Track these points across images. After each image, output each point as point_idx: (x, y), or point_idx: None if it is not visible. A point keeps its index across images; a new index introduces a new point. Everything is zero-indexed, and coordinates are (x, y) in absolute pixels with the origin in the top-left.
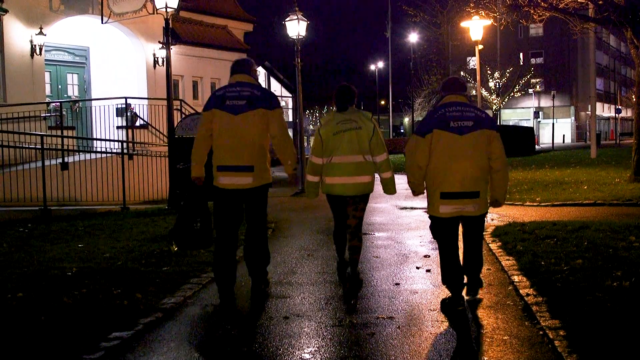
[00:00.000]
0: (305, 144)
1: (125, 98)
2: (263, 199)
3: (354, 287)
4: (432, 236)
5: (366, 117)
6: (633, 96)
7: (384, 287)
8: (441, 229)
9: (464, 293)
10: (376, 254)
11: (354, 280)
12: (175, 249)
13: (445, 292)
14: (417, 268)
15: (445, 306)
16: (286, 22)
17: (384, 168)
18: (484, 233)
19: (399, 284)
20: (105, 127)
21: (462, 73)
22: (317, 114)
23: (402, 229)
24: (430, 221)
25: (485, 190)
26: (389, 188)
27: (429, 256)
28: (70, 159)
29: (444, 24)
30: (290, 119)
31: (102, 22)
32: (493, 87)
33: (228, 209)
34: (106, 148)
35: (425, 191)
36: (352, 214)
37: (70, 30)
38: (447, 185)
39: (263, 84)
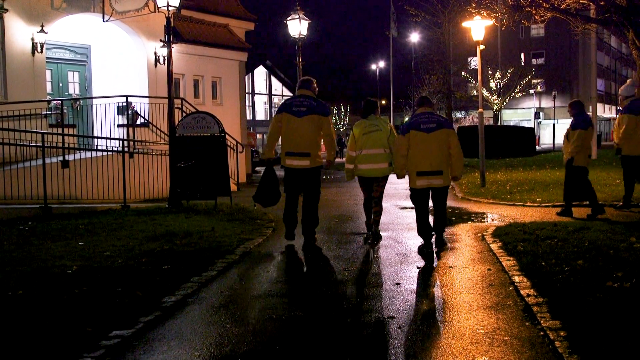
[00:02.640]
0: None
1: (126, 96)
2: (317, 177)
3: (376, 239)
4: (411, 202)
5: (385, 122)
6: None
7: (385, 286)
8: (417, 196)
9: (435, 248)
10: (377, 253)
11: (376, 235)
12: (255, 206)
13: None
14: (418, 268)
15: (420, 250)
16: (288, 21)
17: None
18: (485, 233)
19: (399, 283)
20: (106, 126)
21: (463, 73)
22: None
23: (402, 228)
24: (410, 192)
25: (447, 169)
26: None
27: (429, 256)
28: (71, 157)
29: (445, 24)
30: None
31: (103, 20)
32: (494, 88)
33: (293, 181)
34: (107, 146)
35: (406, 175)
36: (376, 189)
37: (72, 28)
38: (420, 166)
39: (264, 83)
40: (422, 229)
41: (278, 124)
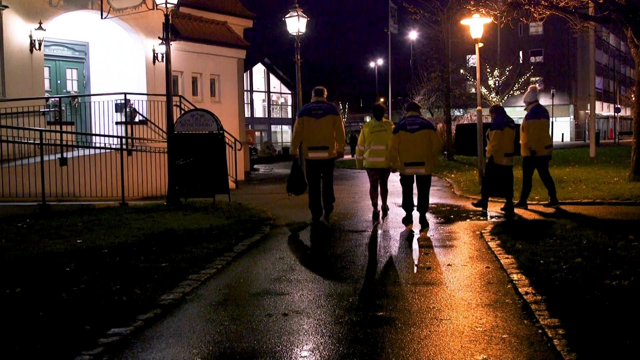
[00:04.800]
0: None
1: (125, 94)
2: (332, 165)
3: (384, 214)
4: (400, 184)
5: (389, 124)
6: (632, 95)
7: (383, 284)
8: (404, 180)
9: (418, 232)
10: (375, 251)
11: (384, 210)
12: (289, 196)
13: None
14: (417, 266)
15: (404, 220)
16: (286, 19)
17: None
18: (483, 231)
19: (397, 281)
20: (105, 123)
21: (461, 71)
22: None
23: (401, 226)
24: (400, 177)
25: (429, 161)
26: None
27: (428, 254)
28: (69, 155)
29: (444, 22)
30: (290, 116)
31: (101, 18)
32: (492, 85)
33: (315, 170)
34: (105, 144)
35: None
36: (382, 178)
37: (70, 26)
38: (406, 158)
39: (262, 81)
40: (406, 203)
41: (301, 126)
